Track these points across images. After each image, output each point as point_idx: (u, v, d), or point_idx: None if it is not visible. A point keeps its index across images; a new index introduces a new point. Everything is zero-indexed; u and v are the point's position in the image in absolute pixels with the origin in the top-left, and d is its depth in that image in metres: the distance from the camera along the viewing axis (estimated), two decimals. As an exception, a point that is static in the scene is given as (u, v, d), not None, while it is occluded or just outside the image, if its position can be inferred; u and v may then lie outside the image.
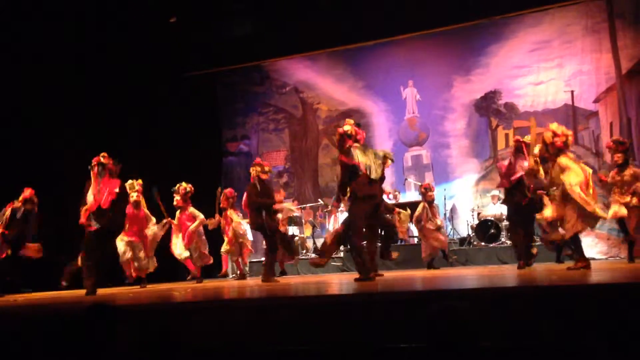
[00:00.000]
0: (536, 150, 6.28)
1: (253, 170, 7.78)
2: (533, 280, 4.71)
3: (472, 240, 10.36)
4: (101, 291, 7.23)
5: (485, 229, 10.10)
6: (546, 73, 11.16)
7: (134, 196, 8.27)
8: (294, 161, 13.03)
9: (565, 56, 11.02)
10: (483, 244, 10.07)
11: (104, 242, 7.29)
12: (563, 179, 5.78)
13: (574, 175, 5.75)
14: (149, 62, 11.37)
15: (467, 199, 11.35)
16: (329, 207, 11.10)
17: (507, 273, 6.41)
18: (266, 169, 7.83)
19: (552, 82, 11.10)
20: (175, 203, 9.28)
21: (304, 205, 12.10)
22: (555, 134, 6.00)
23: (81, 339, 2.64)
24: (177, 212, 9.35)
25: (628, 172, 7.00)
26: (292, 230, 11.41)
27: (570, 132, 6.20)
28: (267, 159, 13.25)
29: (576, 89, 10.88)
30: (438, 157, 11.86)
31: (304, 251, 11.22)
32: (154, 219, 8.76)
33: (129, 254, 8.32)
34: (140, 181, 8.48)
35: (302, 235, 11.47)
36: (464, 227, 10.90)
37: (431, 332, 2.41)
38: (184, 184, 9.29)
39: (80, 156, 10.08)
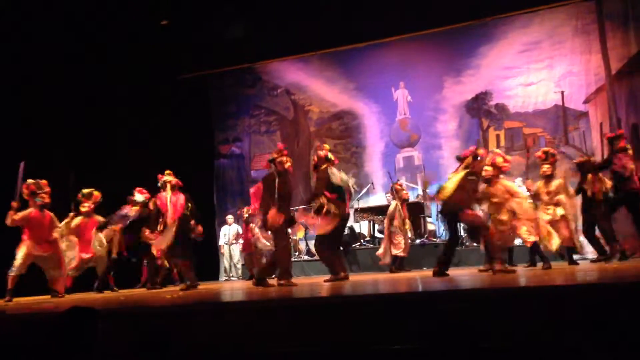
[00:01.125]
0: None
1: (278, 157, 6.62)
2: (523, 282, 4.73)
3: (464, 242, 10.37)
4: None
5: (477, 230, 10.09)
6: (536, 74, 11.24)
7: (44, 197, 7.53)
8: (285, 163, 13.01)
9: (555, 57, 11.10)
10: (475, 245, 10.07)
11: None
12: (514, 203, 6.58)
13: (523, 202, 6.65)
14: (142, 64, 11.32)
15: (459, 200, 11.35)
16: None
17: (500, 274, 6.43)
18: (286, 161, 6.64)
19: (543, 83, 11.18)
20: (85, 209, 8.36)
21: (297, 207, 12.06)
22: (505, 160, 6.77)
23: (61, 343, 2.63)
24: (78, 220, 8.32)
25: (554, 184, 7.20)
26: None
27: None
28: (259, 161, 13.26)
29: (566, 89, 10.96)
30: (430, 158, 11.89)
31: (297, 253, 11.21)
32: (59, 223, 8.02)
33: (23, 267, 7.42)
34: (45, 181, 7.66)
35: (295, 238, 11.45)
36: (456, 228, 10.90)
37: (431, 334, 2.39)
38: (95, 191, 8.47)
39: (71, 157, 10.10)
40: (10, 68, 9.28)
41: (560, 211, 7.05)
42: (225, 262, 11.76)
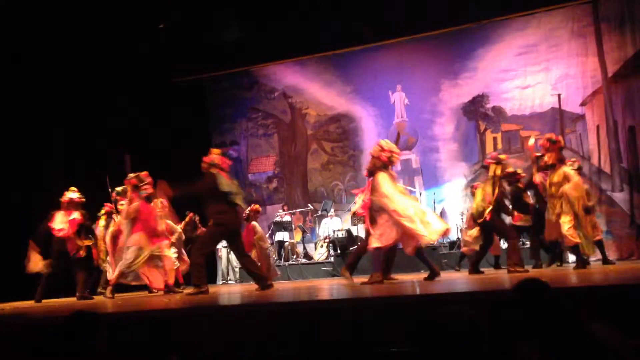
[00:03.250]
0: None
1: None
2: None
3: (462, 244, 10.35)
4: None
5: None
6: (533, 77, 11.26)
7: (147, 188, 7.23)
8: (283, 166, 13.02)
9: (552, 60, 11.12)
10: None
11: None
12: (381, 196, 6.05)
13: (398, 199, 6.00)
14: (138, 67, 11.31)
15: (457, 202, 11.39)
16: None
17: (499, 277, 6.45)
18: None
19: (539, 86, 11.20)
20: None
21: (294, 211, 12.09)
22: (382, 149, 6.26)
23: (62, 347, 2.62)
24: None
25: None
26: (282, 235, 11.38)
27: (395, 150, 6.39)
28: (257, 164, 13.25)
29: (563, 92, 10.98)
30: (427, 161, 11.89)
31: (294, 256, 11.20)
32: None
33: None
34: (146, 172, 7.51)
35: (292, 241, 11.44)
36: (453, 230, 10.88)
37: (432, 337, 2.34)
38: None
39: (69, 160, 10.08)
40: (9, 69, 9.28)
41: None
42: (222, 266, 11.73)
